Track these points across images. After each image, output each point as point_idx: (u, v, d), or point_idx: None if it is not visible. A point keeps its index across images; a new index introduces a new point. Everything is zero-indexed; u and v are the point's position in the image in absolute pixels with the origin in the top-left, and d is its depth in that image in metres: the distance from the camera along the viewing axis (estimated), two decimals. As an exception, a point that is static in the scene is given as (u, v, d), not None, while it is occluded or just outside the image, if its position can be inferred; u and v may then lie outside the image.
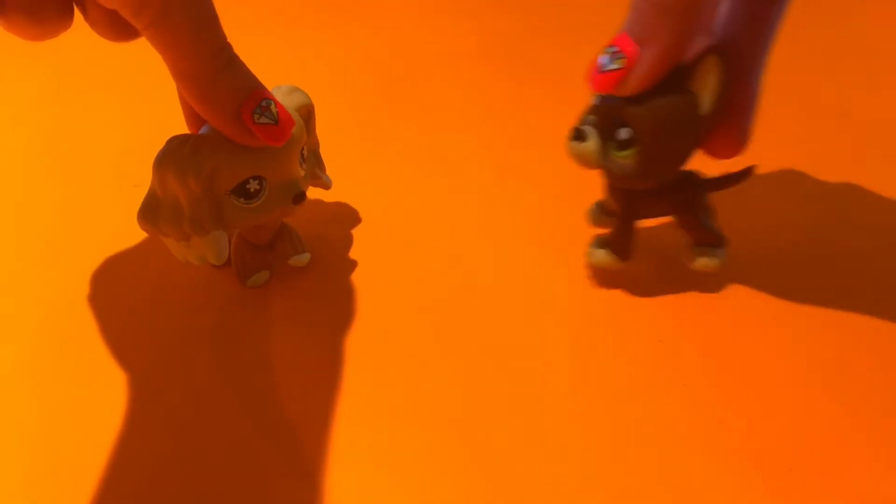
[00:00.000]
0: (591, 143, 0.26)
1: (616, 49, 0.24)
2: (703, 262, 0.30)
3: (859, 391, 0.26)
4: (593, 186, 0.30)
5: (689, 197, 0.29)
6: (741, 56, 0.26)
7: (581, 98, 0.28)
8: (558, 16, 0.53)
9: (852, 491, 0.23)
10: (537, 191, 0.36)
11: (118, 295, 0.31)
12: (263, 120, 0.26)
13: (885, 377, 0.27)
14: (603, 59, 0.25)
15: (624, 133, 0.25)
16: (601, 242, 0.30)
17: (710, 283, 0.31)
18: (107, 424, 0.26)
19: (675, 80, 0.25)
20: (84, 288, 0.31)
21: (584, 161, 0.27)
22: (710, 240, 0.29)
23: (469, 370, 0.28)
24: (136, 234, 0.34)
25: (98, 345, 0.29)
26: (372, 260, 0.33)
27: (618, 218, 0.29)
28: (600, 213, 0.31)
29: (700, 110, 0.25)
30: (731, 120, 0.26)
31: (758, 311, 0.30)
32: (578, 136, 0.26)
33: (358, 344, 0.29)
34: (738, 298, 0.30)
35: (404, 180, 0.37)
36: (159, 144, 0.27)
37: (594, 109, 0.27)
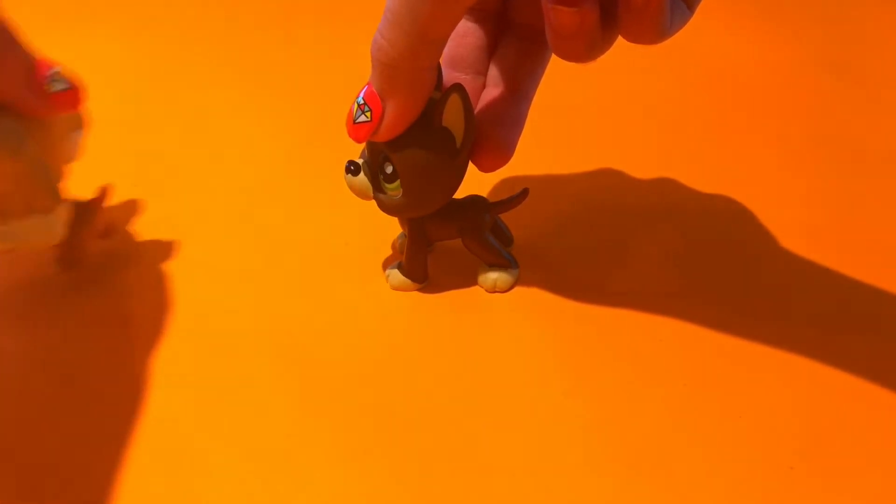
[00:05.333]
0: (362, 177, 0.28)
1: (363, 101, 0.26)
2: (492, 280, 0.31)
3: (860, 391, 0.26)
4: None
5: (473, 220, 0.30)
6: (514, 85, 0.28)
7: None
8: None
9: (852, 491, 0.23)
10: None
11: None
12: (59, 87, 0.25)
13: (884, 376, 0.27)
14: (354, 109, 0.26)
15: (388, 168, 0.27)
16: (397, 265, 0.31)
17: (711, 282, 0.31)
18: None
19: (431, 115, 0.26)
20: None
21: (357, 192, 0.28)
22: (498, 261, 0.31)
23: (456, 376, 0.28)
24: None
25: None
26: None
27: (408, 242, 0.30)
28: (404, 238, 0.32)
29: (454, 142, 0.27)
30: (494, 135, 0.27)
31: (759, 312, 0.30)
32: (351, 169, 0.28)
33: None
34: (737, 301, 0.30)
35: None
36: None
37: (367, 145, 0.28)
